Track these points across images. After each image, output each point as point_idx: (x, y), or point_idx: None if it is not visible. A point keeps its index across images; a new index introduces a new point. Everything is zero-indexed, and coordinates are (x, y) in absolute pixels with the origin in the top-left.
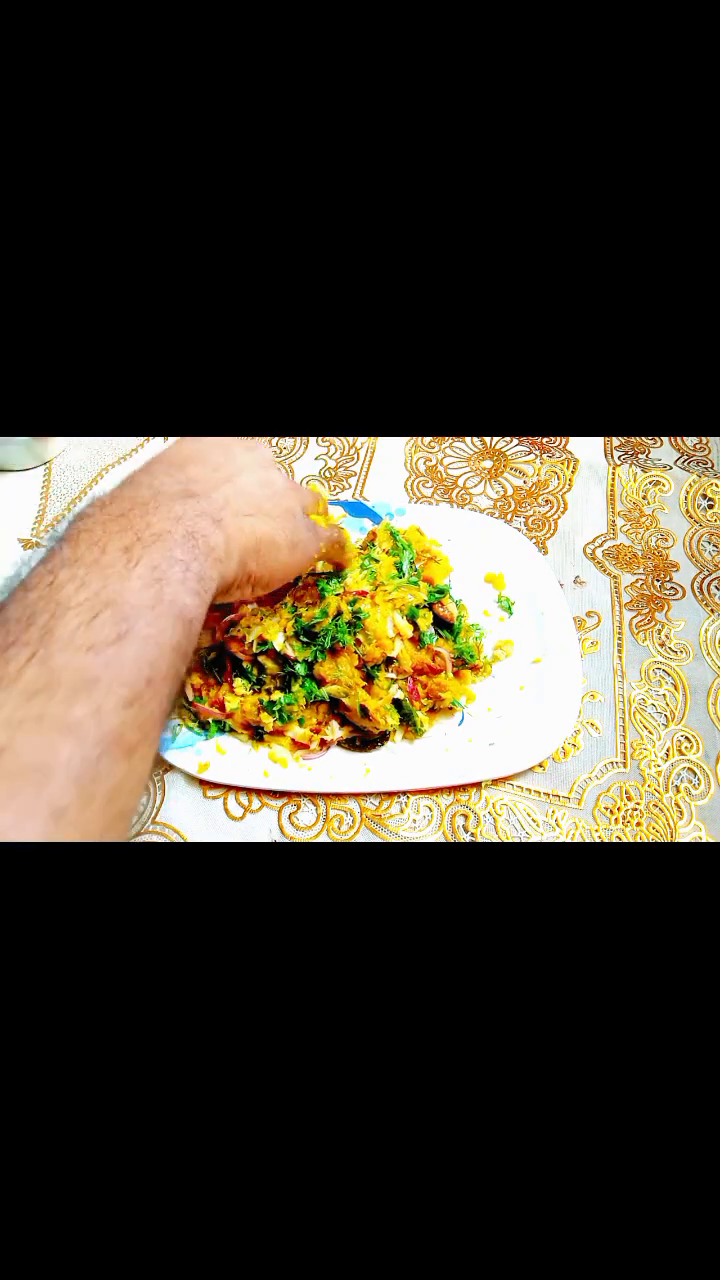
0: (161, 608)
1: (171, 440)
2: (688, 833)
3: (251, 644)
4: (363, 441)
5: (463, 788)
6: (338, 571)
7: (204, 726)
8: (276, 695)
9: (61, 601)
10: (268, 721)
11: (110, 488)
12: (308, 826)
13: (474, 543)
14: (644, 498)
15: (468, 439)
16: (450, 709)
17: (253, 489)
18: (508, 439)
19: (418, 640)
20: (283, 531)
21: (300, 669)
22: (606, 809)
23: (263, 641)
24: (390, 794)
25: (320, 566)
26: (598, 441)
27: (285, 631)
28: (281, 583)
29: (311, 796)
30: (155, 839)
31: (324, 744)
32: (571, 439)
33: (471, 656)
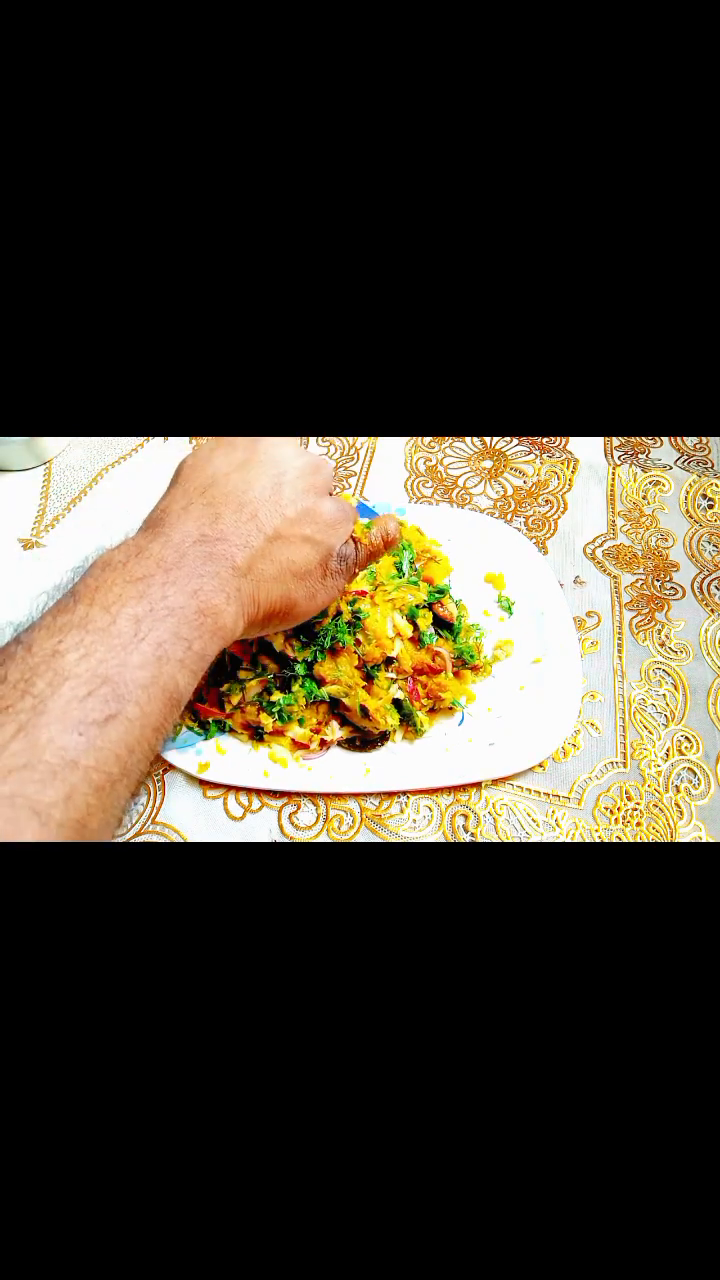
0: (155, 688)
1: (209, 445)
2: (688, 833)
3: (252, 644)
4: (363, 441)
5: (463, 788)
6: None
7: (204, 726)
8: (276, 695)
9: (61, 671)
10: (268, 721)
11: (140, 528)
12: (308, 826)
13: (474, 543)
14: (644, 498)
15: (468, 439)
16: (450, 709)
17: (287, 541)
18: (508, 439)
19: (418, 640)
20: (304, 590)
21: (300, 669)
22: (606, 809)
23: (263, 641)
24: (390, 794)
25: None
26: (598, 441)
27: (286, 631)
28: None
29: (311, 796)
30: (155, 839)
31: (324, 744)
32: (571, 439)
33: (471, 656)
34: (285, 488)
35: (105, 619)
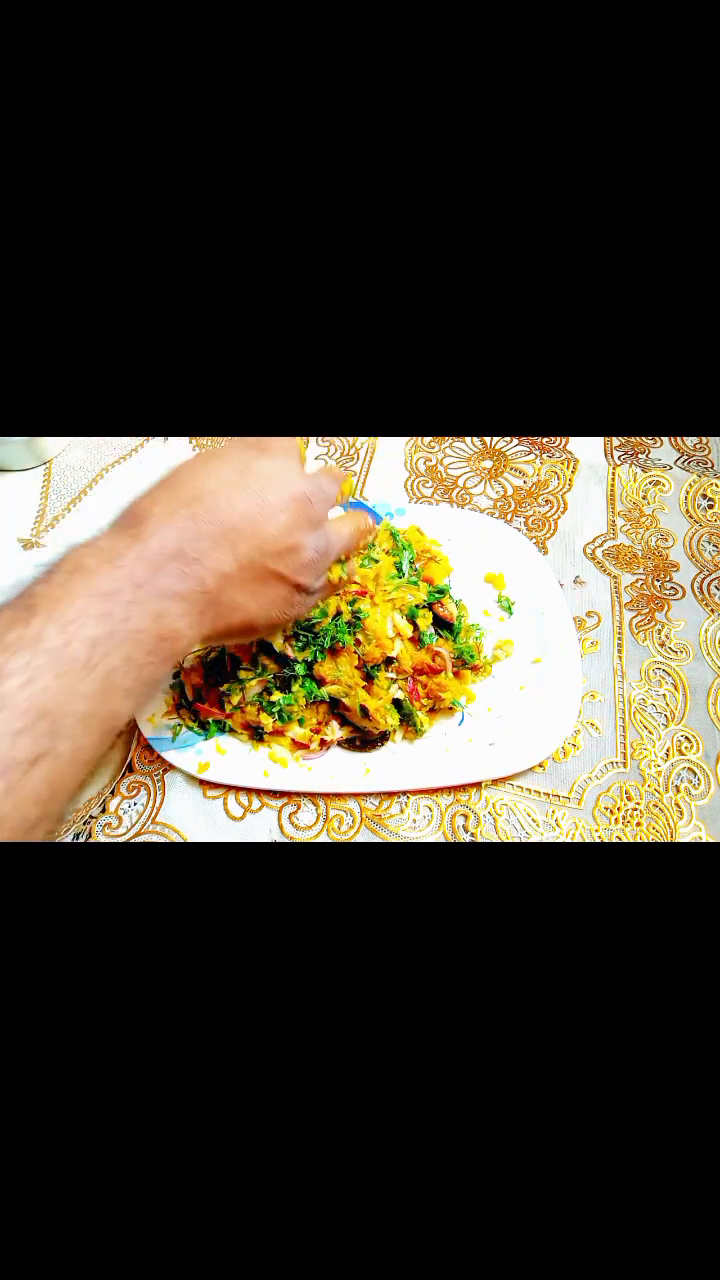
0: (95, 720)
1: (193, 454)
2: (688, 833)
3: (252, 644)
4: (363, 441)
5: (463, 788)
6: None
7: (204, 726)
8: (276, 695)
9: (2, 696)
10: (268, 721)
11: (118, 521)
12: (308, 826)
13: (474, 543)
14: (644, 498)
15: (468, 439)
16: (450, 709)
17: (260, 573)
18: (508, 439)
19: (418, 640)
20: (265, 617)
21: (300, 669)
22: (606, 809)
23: (263, 641)
24: (390, 794)
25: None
26: (598, 441)
27: (285, 631)
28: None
29: (311, 796)
30: (155, 839)
31: (324, 744)
32: (571, 439)
33: (471, 656)
34: (270, 520)
35: (60, 640)
